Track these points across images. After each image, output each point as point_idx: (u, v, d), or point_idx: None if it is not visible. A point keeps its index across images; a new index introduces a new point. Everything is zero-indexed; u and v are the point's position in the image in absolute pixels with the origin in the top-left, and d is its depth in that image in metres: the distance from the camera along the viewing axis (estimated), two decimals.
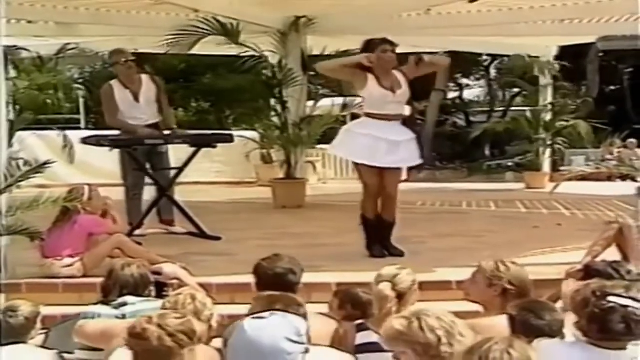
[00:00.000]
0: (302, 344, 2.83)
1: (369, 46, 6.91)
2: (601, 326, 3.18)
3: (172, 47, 10.10)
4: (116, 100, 8.21)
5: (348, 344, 4.06)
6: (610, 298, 3.21)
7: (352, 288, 4.67)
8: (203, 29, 9.95)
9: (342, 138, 7.27)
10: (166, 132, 8.38)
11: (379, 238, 6.99)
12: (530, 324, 3.54)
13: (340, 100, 12.40)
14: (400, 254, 6.83)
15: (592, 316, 3.18)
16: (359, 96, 7.86)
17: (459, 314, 3.15)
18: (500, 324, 3.65)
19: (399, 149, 6.88)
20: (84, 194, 6.44)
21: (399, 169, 7.08)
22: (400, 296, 4.10)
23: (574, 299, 3.29)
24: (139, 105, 8.27)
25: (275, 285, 4.37)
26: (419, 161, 7.08)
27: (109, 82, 8.45)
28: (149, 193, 8.32)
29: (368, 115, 7.00)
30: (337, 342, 4.07)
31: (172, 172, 8.31)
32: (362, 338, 4.14)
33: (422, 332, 2.94)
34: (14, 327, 4.20)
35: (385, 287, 4.11)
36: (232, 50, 10.59)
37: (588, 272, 4.69)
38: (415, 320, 2.97)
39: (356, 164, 7.10)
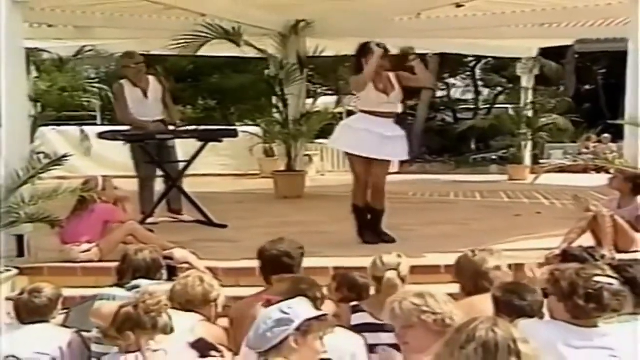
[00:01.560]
0: (287, 314, 2.86)
1: (364, 50, 6.89)
2: (598, 305, 3.19)
3: (181, 49, 10.08)
4: (126, 98, 8.21)
5: (344, 325, 4.08)
6: (597, 278, 3.22)
7: (349, 272, 4.68)
8: (208, 33, 9.94)
9: (340, 132, 7.26)
10: (171, 127, 8.38)
11: (369, 225, 6.97)
12: (514, 304, 3.55)
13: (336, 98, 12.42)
14: (392, 240, 6.80)
15: (589, 296, 3.18)
16: (353, 94, 7.84)
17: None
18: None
19: (389, 143, 6.84)
20: (97, 185, 6.45)
21: (386, 162, 7.04)
22: (403, 281, 4.14)
23: (558, 285, 3.28)
24: (148, 102, 8.26)
25: (273, 267, 4.38)
26: (406, 157, 7.10)
27: (119, 81, 8.45)
28: (160, 184, 8.33)
29: (364, 112, 6.98)
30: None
31: (181, 165, 8.31)
32: (357, 319, 4.15)
33: (438, 303, 3.04)
34: (39, 307, 4.22)
35: (394, 276, 4.12)
36: (237, 51, 10.57)
37: (565, 256, 4.71)
38: (428, 295, 3.07)
39: (348, 155, 7.10)
